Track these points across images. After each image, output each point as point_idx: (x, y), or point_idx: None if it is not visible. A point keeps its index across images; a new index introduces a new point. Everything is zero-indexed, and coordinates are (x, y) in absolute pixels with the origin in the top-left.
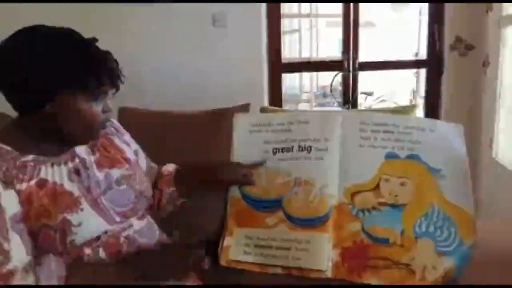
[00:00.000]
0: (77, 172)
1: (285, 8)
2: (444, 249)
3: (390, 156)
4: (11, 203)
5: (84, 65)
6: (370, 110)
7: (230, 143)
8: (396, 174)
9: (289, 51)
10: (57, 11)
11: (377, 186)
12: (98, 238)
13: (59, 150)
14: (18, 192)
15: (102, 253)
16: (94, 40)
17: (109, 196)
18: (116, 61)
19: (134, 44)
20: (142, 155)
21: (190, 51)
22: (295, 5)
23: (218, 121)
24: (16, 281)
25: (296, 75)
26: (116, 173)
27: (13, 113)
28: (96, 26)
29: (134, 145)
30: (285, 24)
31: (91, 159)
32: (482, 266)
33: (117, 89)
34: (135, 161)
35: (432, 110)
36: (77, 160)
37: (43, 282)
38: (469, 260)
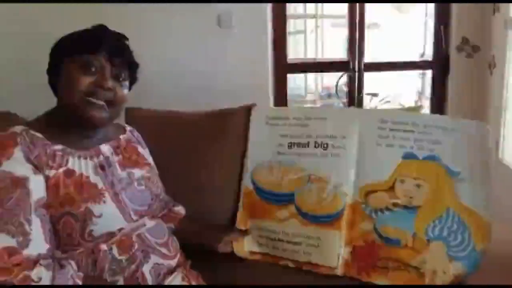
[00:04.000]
0: (102, 167)
1: (290, 8)
2: (456, 254)
3: (408, 156)
4: (38, 188)
5: (80, 36)
6: (390, 109)
7: (242, 143)
8: (412, 175)
9: (294, 52)
10: (58, 11)
11: (392, 187)
12: (112, 235)
13: (85, 144)
14: (47, 178)
15: (115, 250)
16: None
17: (129, 193)
18: (123, 43)
19: (138, 44)
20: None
21: (195, 51)
22: (300, 5)
23: (223, 122)
24: (36, 273)
25: (301, 75)
26: (137, 172)
27: (19, 112)
28: None
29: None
30: (290, 24)
31: (114, 159)
32: (489, 268)
33: (128, 68)
34: (153, 167)
35: (437, 112)
36: (101, 157)
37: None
38: (479, 265)
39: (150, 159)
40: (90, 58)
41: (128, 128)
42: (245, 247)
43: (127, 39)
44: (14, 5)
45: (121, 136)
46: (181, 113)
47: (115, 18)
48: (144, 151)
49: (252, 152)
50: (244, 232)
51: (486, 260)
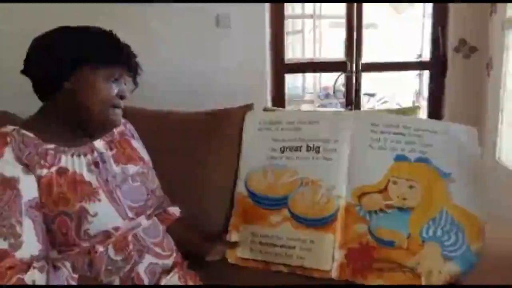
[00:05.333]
0: (96, 164)
1: (288, 9)
2: (450, 254)
3: (400, 159)
4: (29, 189)
5: (103, 44)
6: (381, 111)
7: (239, 143)
8: (405, 176)
9: (292, 52)
10: (57, 12)
11: (385, 188)
12: (109, 236)
13: (78, 141)
14: (39, 178)
15: (111, 250)
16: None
17: (124, 190)
18: (134, 54)
19: (136, 43)
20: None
21: (193, 51)
22: (298, 6)
23: (221, 121)
24: (29, 276)
25: (299, 76)
26: (131, 169)
27: (18, 112)
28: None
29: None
30: (288, 25)
31: (108, 154)
32: (486, 268)
33: (133, 75)
34: (148, 162)
35: (435, 112)
36: (95, 153)
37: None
38: (475, 266)
39: (144, 153)
40: (115, 69)
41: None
42: (237, 253)
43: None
44: (14, 5)
45: (114, 130)
46: (178, 113)
47: (114, 19)
48: (138, 144)
49: (245, 158)
50: (234, 244)
51: (483, 260)
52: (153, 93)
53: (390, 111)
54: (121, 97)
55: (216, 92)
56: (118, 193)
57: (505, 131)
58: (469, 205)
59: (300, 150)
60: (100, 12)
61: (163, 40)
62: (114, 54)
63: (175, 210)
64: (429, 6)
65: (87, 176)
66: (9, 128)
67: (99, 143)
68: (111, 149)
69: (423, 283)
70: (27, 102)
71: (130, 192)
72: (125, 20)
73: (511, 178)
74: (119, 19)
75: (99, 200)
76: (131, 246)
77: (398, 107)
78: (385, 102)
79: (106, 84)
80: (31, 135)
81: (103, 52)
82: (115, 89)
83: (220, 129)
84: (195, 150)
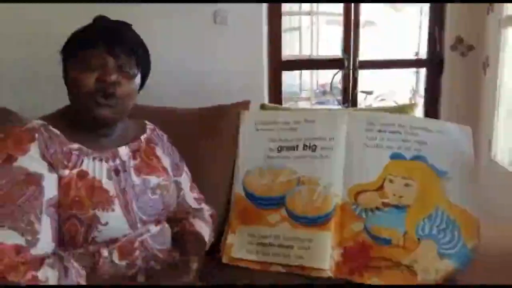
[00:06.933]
0: (116, 172)
1: (286, 6)
2: (447, 252)
3: (396, 157)
4: (51, 187)
5: (75, 32)
6: (376, 109)
7: (236, 141)
8: (401, 174)
9: (290, 49)
10: (56, 11)
11: (381, 186)
12: (115, 241)
13: (102, 145)
14: (60, 177)
15: (115, 255)
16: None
17: (140, 202)
18: (124, 30)
19: None
20: (186, 172)
21: (191, 48)
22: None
23: (218, 118)
24: (42, 273)
25: (296, 72)
26: (153, 180)
27: (16, 109)
28: None
29: (174, 158)
30: (285, 21)
31: (130, 163)
32: (481, 267)
33: (125, 54)
34: (170, 172)
35: (431, 110)
36: (118, 160)
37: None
38: (470, 263)
39: (167, 161)
40: (87, 54)
41: (149, 126)
42: (233, 254)
43: (128, 25)
44: (14, 5)
45: (142, 137)
46: (174, 110)
47: (111, 17)
48: (162, 154)
49: (242, 159)
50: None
51: (479, 259)
52: (149, 90)
53: (386, 108)
54: (106, 82)
55: (213, 89)
56: (134, 204)
57: (501, 129)
58: (464, 203)
59: (297, 149)
60: (96, 10)
61: (160, 37)
62: (82, 39)
63: (195, 222)
64: (426, 4)
65: (106, 183)
66: (38, 123)
67: (123, 150)
68: (134, 158)
69: (419, 280)
70: (27, 101)
71: (146, 204)
72: (121, 18)
73: (507, 177)
74: (116, 17)
75: (113, 210)
76: (137, 253)
77: (395, 104)
78: (382, 99)
79: (83, 74)
80: (57, 131)
81: (73, 41)
82: (91, 75)
83: (216, 126)
84: (191, 147)
